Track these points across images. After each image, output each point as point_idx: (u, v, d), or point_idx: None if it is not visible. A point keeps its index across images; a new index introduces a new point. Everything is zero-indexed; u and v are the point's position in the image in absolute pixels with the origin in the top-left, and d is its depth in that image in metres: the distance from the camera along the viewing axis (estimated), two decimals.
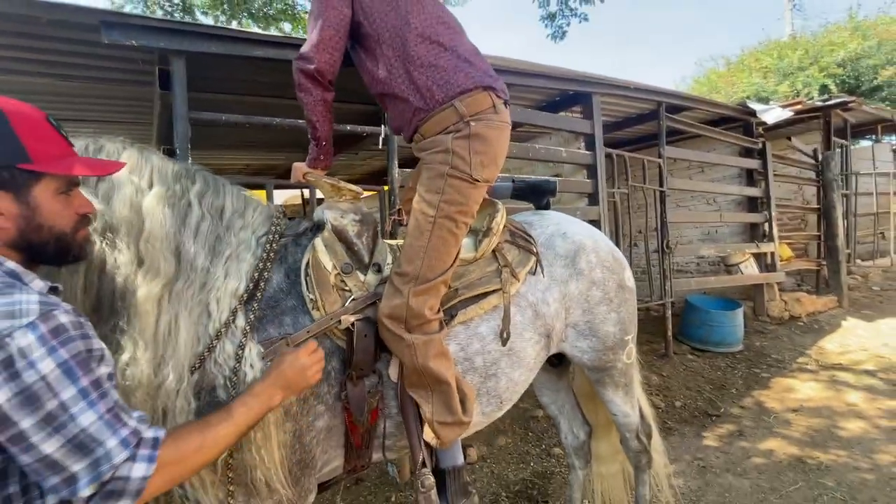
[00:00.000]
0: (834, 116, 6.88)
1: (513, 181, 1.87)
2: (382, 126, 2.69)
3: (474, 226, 1.58)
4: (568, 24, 4.07)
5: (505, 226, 1.58)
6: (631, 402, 1.92)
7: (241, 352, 1.07)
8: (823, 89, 11.50)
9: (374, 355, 1.26)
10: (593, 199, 3.74)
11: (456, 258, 1.36)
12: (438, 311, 1.32)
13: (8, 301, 0.67)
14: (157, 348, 1.02)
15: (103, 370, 0.74)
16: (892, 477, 2.52)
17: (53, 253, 0.81)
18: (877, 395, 3.56)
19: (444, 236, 1.30)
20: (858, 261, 7.86)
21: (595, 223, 3.70)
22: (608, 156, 3.91)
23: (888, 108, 9.78)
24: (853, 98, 6.85)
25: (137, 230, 1.06)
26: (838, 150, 7.22)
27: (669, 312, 4.48)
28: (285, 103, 3.08)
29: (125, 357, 0.98)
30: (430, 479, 1.32)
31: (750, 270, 5.36)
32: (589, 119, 3.75)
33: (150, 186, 1.11)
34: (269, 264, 1.21)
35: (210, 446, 0.83)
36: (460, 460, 1.42)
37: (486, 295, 1.46)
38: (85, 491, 0.68)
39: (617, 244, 3.98)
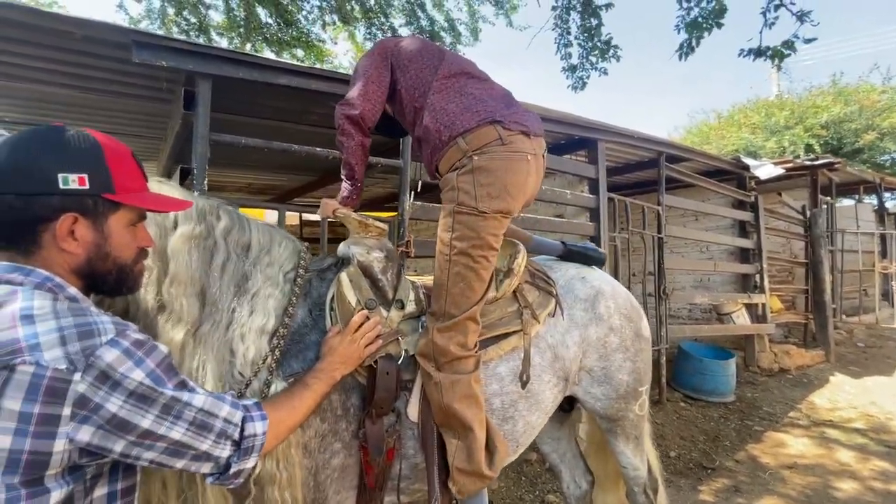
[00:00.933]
0: (820, 175, 7.18)
1: (563, 244, 1.88)
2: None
3: (496, 265, 1.58)
4: (588, 77, 4.24)
5: (526, 267, 1.59)
6: (641, 456, 1.89)
7: (266, 389, 1.04)
8: (808, 148, 12.01)
9: (394, 393, 1.24)
10: (595, 242, 3.78)
11: (484, 294, 1.35)
12: (473, 348, 1.30)
13: (83, 321, 0.68)
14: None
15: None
16: None
17: (113, 283, 0.82)
18: (868, 454, 3.56)
19: (461, 273, 1.30)
20: (844, 316, 8.02)
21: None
22: (610, 200, 3.99)
23: (869, 170, 10.24)
24: (839, 160, 7.16)
25: (160, 273, 1.02)
26: (824, 207, 7.50)
27: (664, 359, 4.48)
28: (301, 129, 3.12)
29: None
30: None
31: (742, 320, 5.41)
32: (594, 164, 3.85)
33: (176, 226, 1.06)
34: (294, 299, 1.19)
35: (298, 408, 0.95)
36: None
37: (506, 336, 1.45)
38: (224, 452, 0.78)
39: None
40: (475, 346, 1.31)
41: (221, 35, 6.72)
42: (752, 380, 5.32)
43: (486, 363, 1.41)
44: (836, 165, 6.99)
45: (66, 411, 0.63)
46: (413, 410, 1.28)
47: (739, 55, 3.61)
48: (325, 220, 1.72)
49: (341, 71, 2.50)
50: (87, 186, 0.74)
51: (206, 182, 2.05)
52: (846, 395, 4.96)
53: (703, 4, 3.68)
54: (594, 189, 3.85)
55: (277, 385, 1.06)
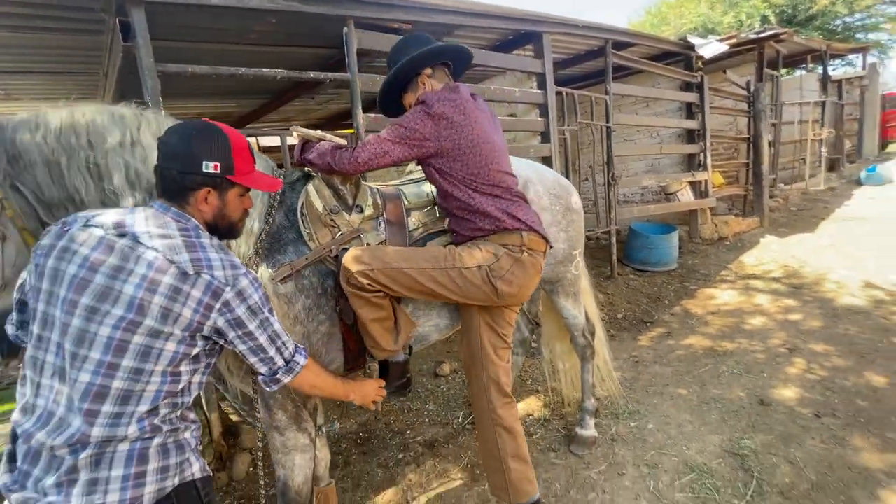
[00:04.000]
0: (767, 48, 7.31)
1: None
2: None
3: None
4: None
5: None
6: (578, 307, 2.34)
7: (256, 270, 1.38)
8: (764, 20, 11.93)
9: None
10: (545, 136, 4.01)
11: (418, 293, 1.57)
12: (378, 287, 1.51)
13: (230, 257, 1.09)
14: None
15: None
16: (779, 355, 3.17)
17: (225, 232, 1.19)
18: (779, 296, 4.26)
19: (435, 279, 1.52)
20: (781, 185, 8.72)
21: (547, 160, 4.00)
22: (558, 94, 4.14)
23: (819, 38, 10.35)
24: (785, 30, 7.26)
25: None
26: (769, 81, 7.74)
27: (614, 239, 4.98)
28: (244, 49, 3.08)
29: None
30: (375, 367, 1.69)
31: (686, 198, 5.92)
32: (540, 58, 3.93)
33: None
34: (271, 209, 1.46)
35: (324, 382, 1.31)
36: (400, 358, 1.70)
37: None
38: (278, 363, 1.17)
39: (568, 178, 4.32)
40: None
41: None
42: (695, 249, 5.98)
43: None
44: (783, 36, 7.09)
45: (217, 305, 1.04)
46: None
47: None
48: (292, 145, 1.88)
49: None
50: (218, 171, 1.11)
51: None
52: (771, 253, 5.67)
53: None
54: (542, 84, 3.98)
55: (263, 271, 1.40)
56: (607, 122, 4.78)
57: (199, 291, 1.01)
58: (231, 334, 1.07)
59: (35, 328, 0.99)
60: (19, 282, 1.12)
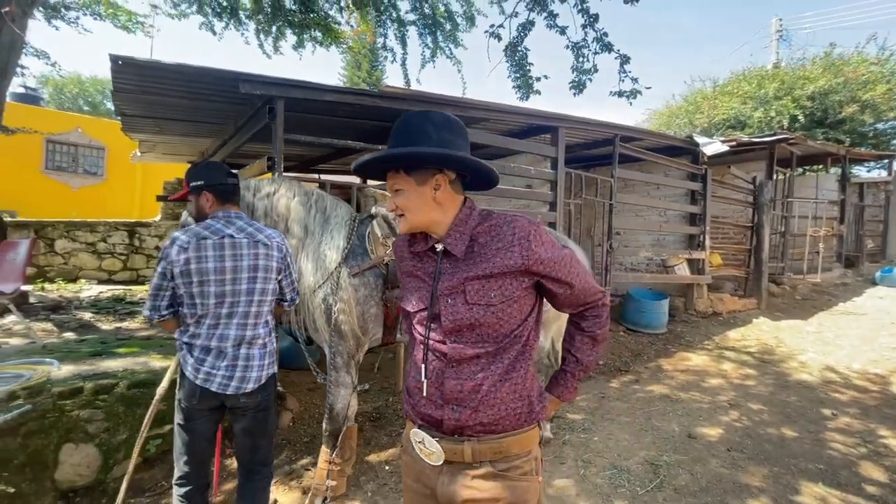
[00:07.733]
0: (780, 149, 8.14)
1: None
2: None
3: None
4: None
5: None
6: (544, 334, 3.19)
7: (338, 275, 2.34)
8: (793, 119, 12.72)
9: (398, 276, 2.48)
10: (552, 206, 4.97)
11: None
12: None
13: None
14: (299, 270, 2.29)
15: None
16: (720, 407, 3.82)
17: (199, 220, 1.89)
18: (744, 365, 4.87)
19: None
20: (790, 273, 9.20)
21: (552, 225, 4.93)
22: (567, 173, 5.13)
23: (835, 143, 11.03)
24: (794, 135, 8.09)
25: (286, 217, 2.32)
26: (781, 177, 8.49)
27: (608, 299, 5.75)
28: (330, 118, 4.28)
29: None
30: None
31: (682, 272, 6.64)
32: (555, 146, 4.97)
33: (294, 196, 2.37)
34: (352, 233, 2.45)
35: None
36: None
37: None
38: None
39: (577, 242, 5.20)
40: None
41: (249, 18, 7.65)
42: (688, 319, 6.61)
43: None
44: (793, 140, 7.93)
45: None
46: None
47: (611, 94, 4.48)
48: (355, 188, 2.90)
49: (363, 87, 3.55)
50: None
51: (282, 166, 3.25)
52: (758, 332, 6.23)
53: None
54: (555, 165, 4.99)
55: (343, 272, 2.35)
56: (611, 199, 5.70)
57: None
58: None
59: (197, 298, 1.82)
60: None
